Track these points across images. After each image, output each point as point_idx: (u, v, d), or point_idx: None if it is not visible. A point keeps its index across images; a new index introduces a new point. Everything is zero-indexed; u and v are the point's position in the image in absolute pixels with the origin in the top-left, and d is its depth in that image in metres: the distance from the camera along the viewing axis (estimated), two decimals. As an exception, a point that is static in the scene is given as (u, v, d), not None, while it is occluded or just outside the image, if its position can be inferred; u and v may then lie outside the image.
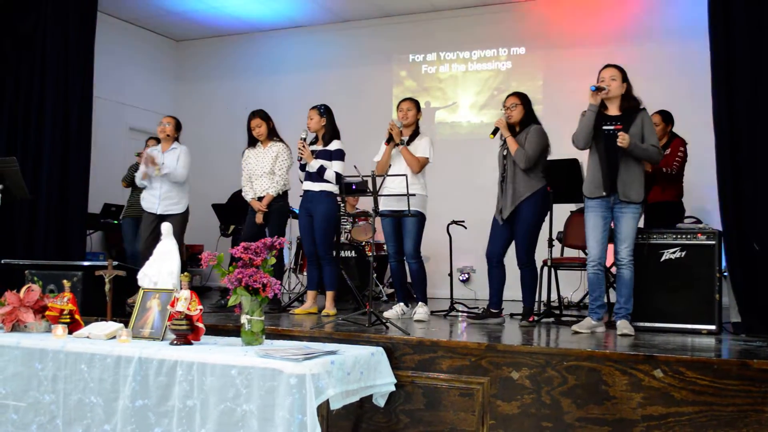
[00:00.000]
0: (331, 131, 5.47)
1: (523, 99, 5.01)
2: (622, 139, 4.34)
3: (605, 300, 4.61)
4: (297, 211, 6.62)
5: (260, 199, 5.71)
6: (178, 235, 5.78)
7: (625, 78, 4.54)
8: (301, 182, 5.53)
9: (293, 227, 7.81)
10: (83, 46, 6.58)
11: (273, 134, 5.81)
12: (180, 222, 5.91)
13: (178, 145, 6.12)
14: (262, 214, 5.68)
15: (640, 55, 7.73)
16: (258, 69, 9.76)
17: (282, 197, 5.78)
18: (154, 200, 6.00)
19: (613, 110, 4.55)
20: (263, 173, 5.70)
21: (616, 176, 4.44)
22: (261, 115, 5.80)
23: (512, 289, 5.20)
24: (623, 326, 4.39)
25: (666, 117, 5.84)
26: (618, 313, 4.50)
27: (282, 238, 3.76)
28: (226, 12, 9.10)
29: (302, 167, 5.47)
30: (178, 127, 6.18)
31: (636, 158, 4.46)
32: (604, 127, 4.50)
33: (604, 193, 4.46)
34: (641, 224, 4.69)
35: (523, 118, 4.96)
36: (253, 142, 5.83)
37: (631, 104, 4.53)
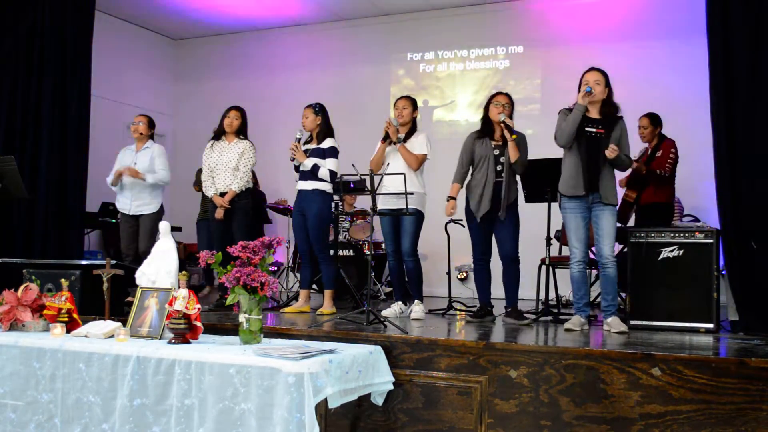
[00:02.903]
0: (326, 130, 5.48)
1: (512, 102, 5.04)
2: (612, 152, 4.46)
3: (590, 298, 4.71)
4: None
5: (222, 195, 5.69)
6: (153, 234, 5.85)
7: (607, 83, 4.63)
8: (297, 182, 5.53)
9: (291, 226, 7.81)
10: (81, 45, 6.56)
11: (241, 132, 5.82)
12: (153, 221, 5.95)
13: (152, 143, 6.17)
14: (223, 210, 5.65)
15: (638, 53, 7.73)
16: (256, 68, 9.75)
17: (245, 195, 5.75)
18: (126, 201, 6.09)
19: (594, 113, 4.65)
20: (227, 168, 5.67)
21: (597, 178, 4.55)
22: (241, 110, 5.86)
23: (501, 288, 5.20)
24: (615, 323, 4.43)
25: (654, 120, 5.85)
26: (607, 311, 4.55)
27: (280, 237, 3.76)
28: (224, 11, 9.09)
29: (296, 168, 5.46)
30: (151, 124, 6.24)
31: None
32: (587, 129, 4.59)
33: (583, 193, 4.54)
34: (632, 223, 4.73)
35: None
36: (218, 136, 5.83)
37: (610, 110, 4.64)
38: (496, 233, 4.98)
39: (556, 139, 4.68)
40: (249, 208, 5.82)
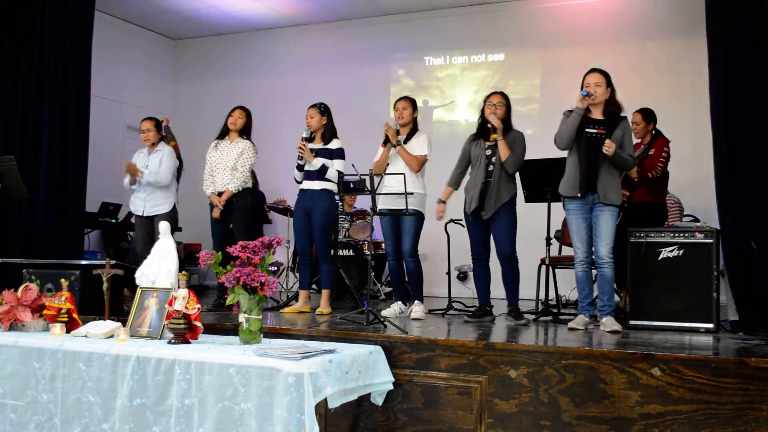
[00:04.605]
0: (331, 130, 5.49)
1: (507, 100, 5.02)
2: (608, 147, 4.46)
3: (594, 297, 4.72)
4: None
5: (220, 194, 5.70)
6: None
7: (609, 83, 4.63)
8: (297, 182, 5.53)
9: (290, 225, 7.81)
10: (81, 45, 6.56)
11: (245, 132, 5.83)
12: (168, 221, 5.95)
13: (163, 145, 6.19)
14: (219, 210, 5.66)
15: (637, 53, 7.73)
16: (256, 68, 9.74)
17: (243, 195, 5.75)
18: (140, 203, 6.10)
19: (597, 114, 4.65)
20: (225, 168, 5.70)
21: (596, 178, 4.54)
22: (247, 110, 5.89)
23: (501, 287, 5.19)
24: (610, 323, 4.45)
25: (647, 115, 5.71)
26: (603, 311, 4.57)
27: (280, 237, 3.77)
28: (224, 11, 9.09)
29: (300, 167, 5.46)
30: (158, 127, 6.25)
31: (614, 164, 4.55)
32: (587, 130, 4.59)
33: (579, 194, 4.55)
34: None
35: (504, 120, 4.95)
36: (222, 135, 5.85)
37: (613, 110, 4.64)
38: (493, 233, 4.97)
39: (555, 142, 4.68)
40: (248, 208, 5.82)
